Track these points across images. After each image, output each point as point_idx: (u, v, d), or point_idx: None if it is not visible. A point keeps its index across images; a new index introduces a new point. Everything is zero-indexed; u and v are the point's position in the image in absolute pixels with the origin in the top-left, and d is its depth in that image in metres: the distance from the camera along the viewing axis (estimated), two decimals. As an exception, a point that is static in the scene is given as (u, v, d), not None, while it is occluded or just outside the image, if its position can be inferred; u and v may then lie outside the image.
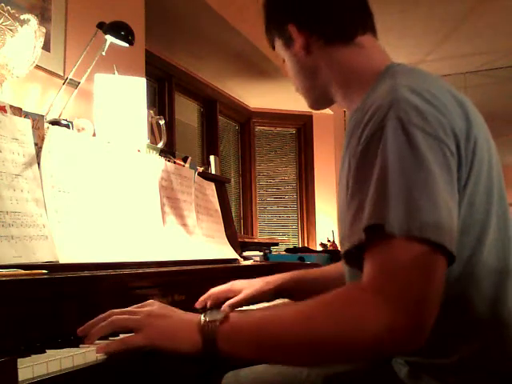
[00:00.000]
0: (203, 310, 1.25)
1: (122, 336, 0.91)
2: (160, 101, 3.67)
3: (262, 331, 0.81)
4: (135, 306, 0.93)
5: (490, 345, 0.86)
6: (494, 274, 0.87)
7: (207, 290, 1.30)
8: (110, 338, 0.92)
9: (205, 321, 0.84)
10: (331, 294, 0.80)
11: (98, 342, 0.90)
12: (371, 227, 0.76)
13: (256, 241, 3.59)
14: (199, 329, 0.83)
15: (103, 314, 0.91)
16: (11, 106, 1.29)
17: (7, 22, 1.40)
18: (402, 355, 0.92)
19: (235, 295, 1.26)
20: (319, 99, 1.12)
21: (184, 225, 1.73)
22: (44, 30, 1.53)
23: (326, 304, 0.79)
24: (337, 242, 4.66)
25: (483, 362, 0.86)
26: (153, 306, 0.91)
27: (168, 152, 2.01)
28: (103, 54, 1.80)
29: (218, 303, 1.26)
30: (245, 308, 1.25)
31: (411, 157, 0.77)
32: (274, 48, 1.15)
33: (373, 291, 0.75)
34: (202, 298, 1.28)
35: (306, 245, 4.96)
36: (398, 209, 0.75)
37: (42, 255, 1.11)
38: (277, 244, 3.58)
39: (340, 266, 1.39)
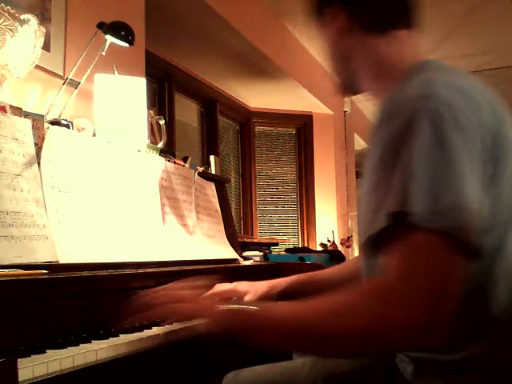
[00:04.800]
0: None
1: None
2: (160, 101, 3.67)
3: (291, 324, 0.84)
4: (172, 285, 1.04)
5: (499, 345, 0.85)
6: None
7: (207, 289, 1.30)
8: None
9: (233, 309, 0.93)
10: (353, 289, 0.81)
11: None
12: (394, 215, 0.77)
13: (256, 241, 3.59)
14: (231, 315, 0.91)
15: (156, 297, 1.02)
16: (11, 106, 1.29)
17: (7, 22, 1.40)
18: (417, 351, 0.91)
19: (239, 297, 1.27)
20: (347, 84, 1.13)
21: (184, 225, 1.73)
22: (44, 30, 1.53)
23: (348, 300, 0.81)
24: (337, 242, 4.67)
25: (490, 361, 0.85)
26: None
27: (168, 152, 2.01)
28: (103, 54, 1.80)
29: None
30: None
31: (438, 149, 0.78)
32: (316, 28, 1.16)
33: (391, 286, 0.76)
34: (208, 293, 1.28)
35: (306, 245, 4.95)
36: (422, 199, 0.76)
37: (42, 255, 1.11)
38: (277, 244, 3.58)
39: (343, 268, 1.39)
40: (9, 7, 1.41)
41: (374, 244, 0.82)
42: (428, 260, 0.76)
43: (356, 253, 5.31)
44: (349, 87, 1.15)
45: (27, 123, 1.23)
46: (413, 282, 0.75)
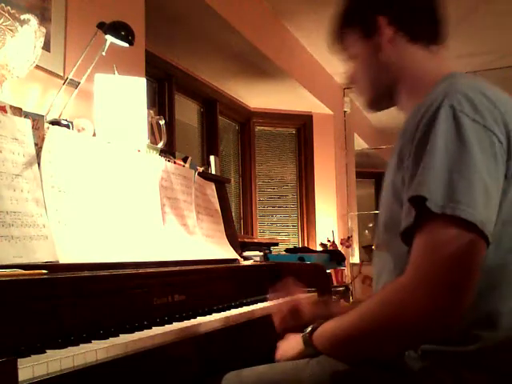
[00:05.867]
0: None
1: None
2: (160, 101, 3.66)
3: (339, 333, 0.95)
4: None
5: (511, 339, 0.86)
6: None
7: (207, 289, 1.30)
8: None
9: (304, 333, 1.04)
10: (385, 287, 0.90)
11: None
12: (417, 204, 0.83)
13: (256, 241, 3.59)
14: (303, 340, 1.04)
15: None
16: (11, 106, 1.29)
17: (7, 22, 1.40)
18: (430, 343, 0.93)
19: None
20: (380, 96, 1.15)
21: (184, 225, 1.73)
22: (44, 30, 1.53)
23: (380, 296, 0.89)
24: (337, 242, 4.66)
25: (501, 356, 0.86)
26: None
27: (168, 152, 2.01)
28: (103, 54, 1.80)
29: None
30: None
31: (457, 142, 0.83)
32: (337, 39, 1.18)
33: (413, 276, 0.82)
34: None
35: (306, 245, 4.95)
36: (438, 187, 0.82)
37: (42, 255, 1.11)
38: (277, 244, 3.58)
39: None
40: (9, 7, 1.41)
41: (403, 235, 0.88)
42: (449, 252, 0.80)
43: (356, 253, 5.31)
44: (381, 101, 1.17)
45: (27, 123, 1.23)
46: (431, 272, 0.80)
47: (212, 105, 4.34)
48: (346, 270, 4.24)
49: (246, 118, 4.95)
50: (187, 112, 4.15)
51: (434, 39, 1.09)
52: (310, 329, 1.04)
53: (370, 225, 6.84)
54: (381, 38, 1.08)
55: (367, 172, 6.73)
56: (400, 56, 1.08)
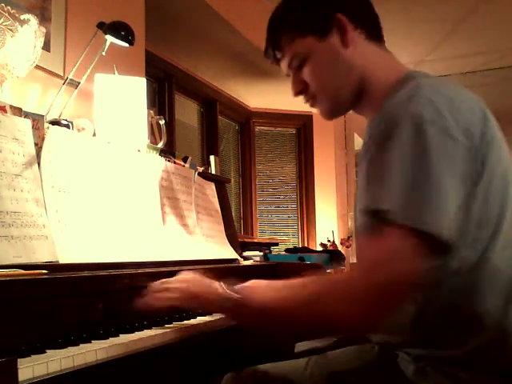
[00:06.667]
0: None
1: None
2: (160, 101, 3.66)
3: (269, 301, 0.92)
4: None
5: (500, 339, 0.86)
6: (506, 270, 0.88)
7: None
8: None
9: (224, 290, 0.98)
10: (331, 278, 0.94)
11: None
12: (375, 212, 0.81)
13: (256, 241, 3.58)
14: (221, 294, 0.98)
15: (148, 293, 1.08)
16: (11, 106, 1.29)
17: (7, 22, 1.40)
18: (415, 347, 0.94)
19: None
20: (343, 102, 1.07)
21: (184, 225, 1.73)
22: (44, 30, 1.53)
23: (322, 286, 0.89)
24: (337, 242, 4.67)
25: (493, 356, 0.87)
26: (186, 275, 1.09)
27: (168, 152, 2.00)
28: (103, 54, 1.80)
29: None
30: None
31: (418, 150, 0.81)
32: (274, 56, 1.10)
33: (364, 283, 0.82)
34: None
35: (306, 245, 4.95)
36: (398, 198, 0.79)
37: (42, 255, 1.11)
38: (277, 244, 3.57)
39: None
40: (9, 7, 1.41)
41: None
42: (395, 254, 0.79)
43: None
44: (342, 107, 1.09)
45: (27, 123, 1.23)
46: (375, 274, 0.80)
47: (212, 105, 4.34)
48: (346, 270, 4.24)
49: (245, 118, 4.95)
50: (187, 112, 4.15)
51: (382, 36, 1.05)
52: (229, 291, 0.98)
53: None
54: (342, 37, 1.01)
55: (367, 172, 6.73)
56: (361, 55, 1.02)
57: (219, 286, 1.00)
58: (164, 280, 1.10)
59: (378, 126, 0.87)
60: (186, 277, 1.09)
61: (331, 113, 1.10)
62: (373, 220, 0.81)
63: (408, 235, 0.78)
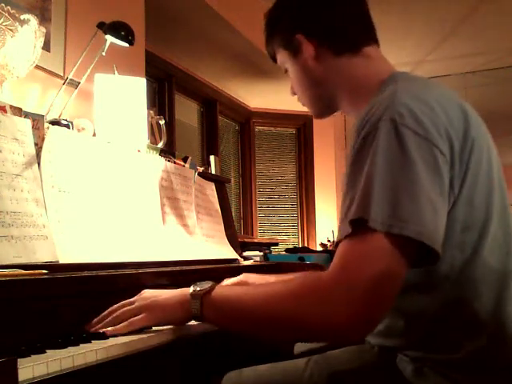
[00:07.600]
0: None
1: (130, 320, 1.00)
2: (160, 101, 3.67)
3: (240, 304, 0.90)
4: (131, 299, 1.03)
5: (495, 341, 0.87)
6: (497, 271, 0.88)
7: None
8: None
9: (194, 290, 0.95)
10: (303, 278, 0.86)
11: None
12: (357, 221, 0.79)
13: (256, 241, 3.59)
14: (189, 297, 0.95)
15: (105, 312, 1.01)
16: (11, 106, 1.29)
17: (7, 22, 1.40)
18: (414, 350, 0.93)
19: None
20: (324, 108, 1.15)
21: (184, 225, 1.73)
22: (44, 30, 1.53)
23: (297, 287, 0.85)
24: (337, 241, 4.66)
25: (489, 358, 0.87)
26: (145, 292, 1.04)
27: (168, 152, 2.00)
28: (103, 54, 1.80)
29: None
30: None
31: (399, 157, 0.80)
32: (274, 59, 1.17)
33: (336, 279, 0.79)
34: None
35: (306, 245, 4.95)
36: (381, 206, 0.78)
37: (42, 255, 1.11)
38: (277, 244, 3.58)
39: None
40: (9, 7, 1.41)
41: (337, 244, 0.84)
42: (379, 259, 0.77)
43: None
44: (325, 111, 1.16)
45: (27, 123, 1.23)
46: (354, 278, 0.77)
47: (212, 105, 4.34)
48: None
49: (245, 118, 4.95)
50: (187, 112, 4.15)
51: (363, 43, 1.06)
52: (199, 288, 0.95)
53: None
54: (306, 54, 1.06)
55: (367, 172, 6.73)
56: (330, 70, 1.06)
57: (185, 290, 0.98)
58: (125, 302, 1.04)
59: (357, 131, 0.87)
60: (146, 295, 1.04)
61: (316, 115, 1.20)
62: (350, 226, 0.80)
63: (383, 240, 0.77)
